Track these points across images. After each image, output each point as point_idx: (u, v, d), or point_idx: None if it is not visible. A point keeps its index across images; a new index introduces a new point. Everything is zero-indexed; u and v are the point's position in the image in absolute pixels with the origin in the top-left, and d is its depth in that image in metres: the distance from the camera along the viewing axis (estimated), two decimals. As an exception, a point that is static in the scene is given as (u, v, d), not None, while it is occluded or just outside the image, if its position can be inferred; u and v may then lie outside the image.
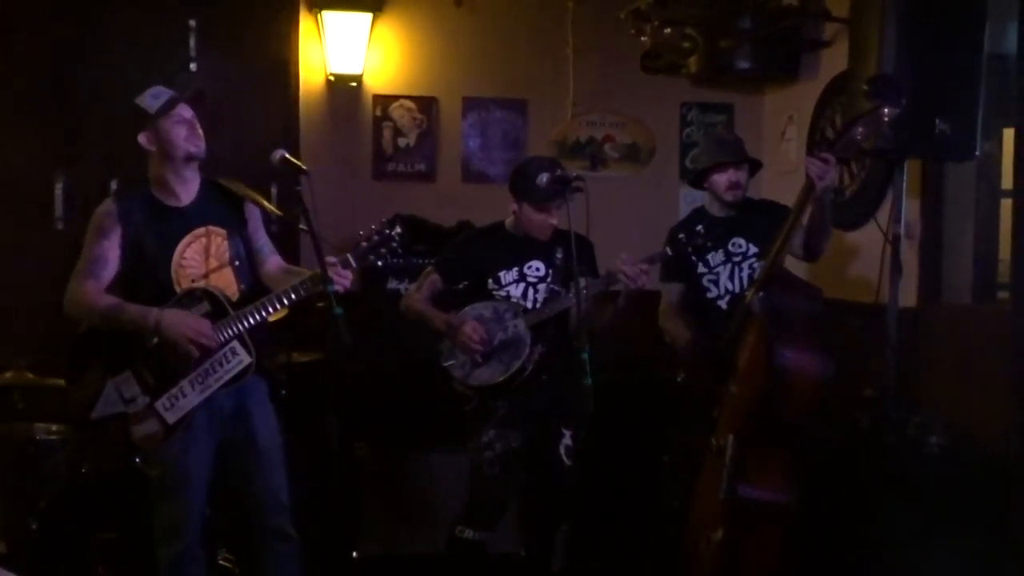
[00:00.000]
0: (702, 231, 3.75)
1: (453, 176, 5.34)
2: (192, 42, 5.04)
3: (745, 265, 3.93)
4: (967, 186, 4.22)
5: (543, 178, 3.63)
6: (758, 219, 3.88)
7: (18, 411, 3.93)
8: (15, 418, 3.92)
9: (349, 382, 3.83)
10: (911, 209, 4.12)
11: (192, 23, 5.03)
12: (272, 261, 3.44)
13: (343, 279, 3.17)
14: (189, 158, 3.29)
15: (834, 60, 4.74)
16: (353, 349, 3.11)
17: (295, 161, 3.29)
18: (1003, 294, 4.16)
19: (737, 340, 3.67)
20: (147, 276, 3.26)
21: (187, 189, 3.33)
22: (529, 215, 3.74)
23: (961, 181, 4.22)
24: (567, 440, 3.72)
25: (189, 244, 3.30)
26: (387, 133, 5.28)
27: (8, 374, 3.89)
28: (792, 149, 5.21)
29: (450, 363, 3.76)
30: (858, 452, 3.83)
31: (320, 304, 3.29)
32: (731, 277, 3.96)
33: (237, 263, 3.33)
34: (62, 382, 4.02)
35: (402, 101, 5.29)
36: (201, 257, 3.29)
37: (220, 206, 3.35)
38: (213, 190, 3.38)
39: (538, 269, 3.80)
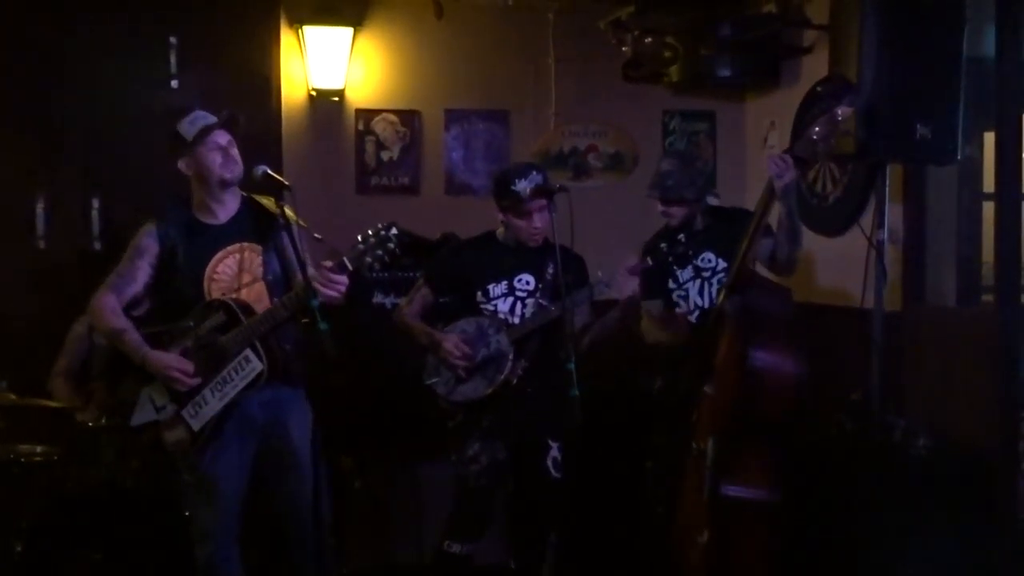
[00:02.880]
0: (683, 239, 3.74)
1: (437, 189, 5.33)
2: (173, 59, 5.02)
3: (714, 280, 3.95)
4: (949, 190, 4.24)
5: (520, 184, 3.65)
6: (728, 230, 3.85)
7: (0, 431, 3.89)
8: (-3, 439, 3.90)
9: (334, 396, 3.80)
10: (894, 214, 4.13)
11: (172, 40, 5.01)
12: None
13: (338, 284, 3.19)
14: (223, 183, 3.40)
15: (815, 66, 4.76)
16: (338, 363, 3.10)
17: (277, 177, 3.32)
18: (987, 297, 4.18)
19: (712, 343, 3.68)
20: (179, 289, 3.40)
21: (225, 209, 3.44)
22: (513, 223, 3.74)
23: (943, 185, 4.24)
24: (554, 452, 3.71)
25: (222, 259, 3.41)
26: (370, 147, 5.27)
27: (-11, 395, 3.86)
28: (774, 156, 5.23)
29: (433, 380, 3.75)
30: (844, 456, 3.84)
31: (305, 320, 3.28)
32: (700, 293, 4.00)
33: (270, 278, 3.43)
34: (44, 402, 4.03)
35: (384, 115, 5.28)
36: (234, 272, 3.41)
37: (256, 223, 3.43)
38: (251, 208, 3.48)
39: (528, 282, 3.78)
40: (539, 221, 3.69)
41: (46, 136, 4.88)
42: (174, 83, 5.03)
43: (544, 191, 3.64)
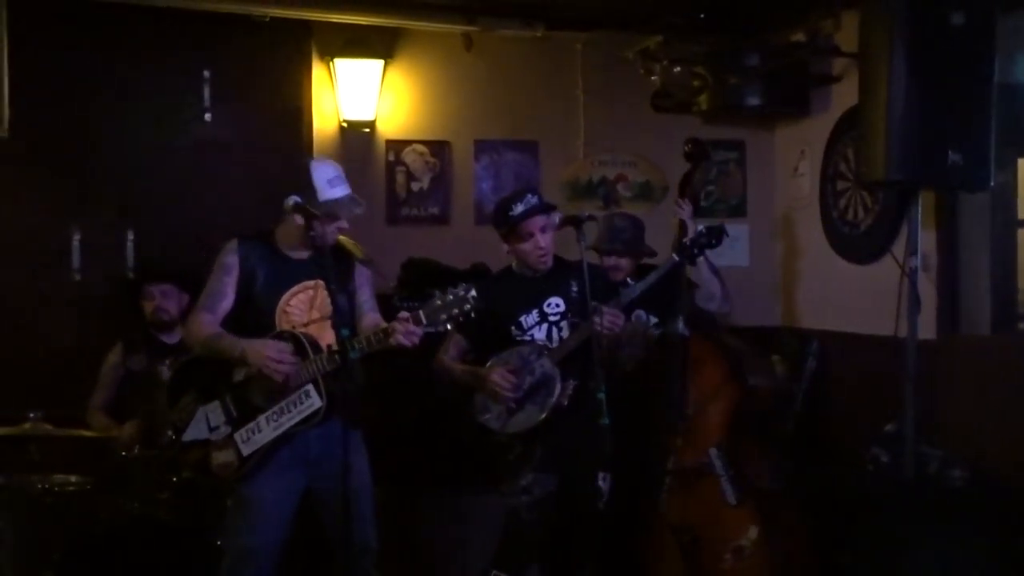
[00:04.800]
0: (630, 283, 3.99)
1: (466, 219, 5.35)
2: (206, 92, 5.09)
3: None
4: (982, 217, 4.20)
5: (517, 208, 3.71)
6: (656, 290, 3.99)
7: (34, 462, 3.93)
8: (31, 469, 3.92)
9: (368, 426, 3.81)
10: (926, 241, 4.10)
11: (206, 74, 5.09)
12: (369, 317, 3.56)
13: (412, 335, 3.27)
14: (321, 248, 3.46)
15: (844, 94, 4.75)
16: (367, 392, 3.12)
17: (308, 207, 3.34)
18: (1023, 324, 4.12)
19: (682, 368, 3.85)
20: (253, 317, 3.47)
21: (307, 249, 3.51)
22: (519, 248, 3.76)
23: (976, 212, 4.20)
24: (599, 482, 3.68)
25: (296, 294, 3.50)
26: (400, 178, 5.30)
27: (25, 425, 3.89)
28: (805, 184, 5.21)
29: (485, 416, 3.74)
30: (880, 488, 3.79)
31: (335, 349, 3.30)
32: None
33: (337, 318, 3.42)
34: (78, 432, 4.06)
35: (415, 146, 5.32)
36: (305, 307, 3.49)
37: (333, 263, 3.46)
38: (330, 249, 3.50)
39: (558, 305, 3.79)
40: (543, 241, 3.72)
41: (81, 169, 4.95)
42: (208, 116, 5.10)
43: (541, 209, 3.71)
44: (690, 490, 3.81)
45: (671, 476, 3.85)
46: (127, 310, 4.52)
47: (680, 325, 3.86)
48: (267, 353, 3.32)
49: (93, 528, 3.88)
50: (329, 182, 3.45)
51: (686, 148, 4.16)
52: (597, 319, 3.49)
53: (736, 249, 5.24)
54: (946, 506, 3.62)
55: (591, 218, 3.65)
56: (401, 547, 4.44)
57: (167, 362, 4.25)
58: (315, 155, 5.15)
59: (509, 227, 3.74)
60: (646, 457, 3.93)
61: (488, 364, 3.74)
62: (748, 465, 3.80)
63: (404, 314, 3.28)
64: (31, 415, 3.92)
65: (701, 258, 4.04)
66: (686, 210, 4.08)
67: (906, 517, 3.61)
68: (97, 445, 4.12)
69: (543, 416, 3.63)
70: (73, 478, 3.96)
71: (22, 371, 4.70)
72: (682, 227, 4.06)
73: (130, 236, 4.96)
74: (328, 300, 3.44)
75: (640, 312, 4.15)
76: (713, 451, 3.78)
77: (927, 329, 4.06)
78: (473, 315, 3.30)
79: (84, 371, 4.47)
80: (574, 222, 3.66)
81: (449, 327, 3.31)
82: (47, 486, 3.91)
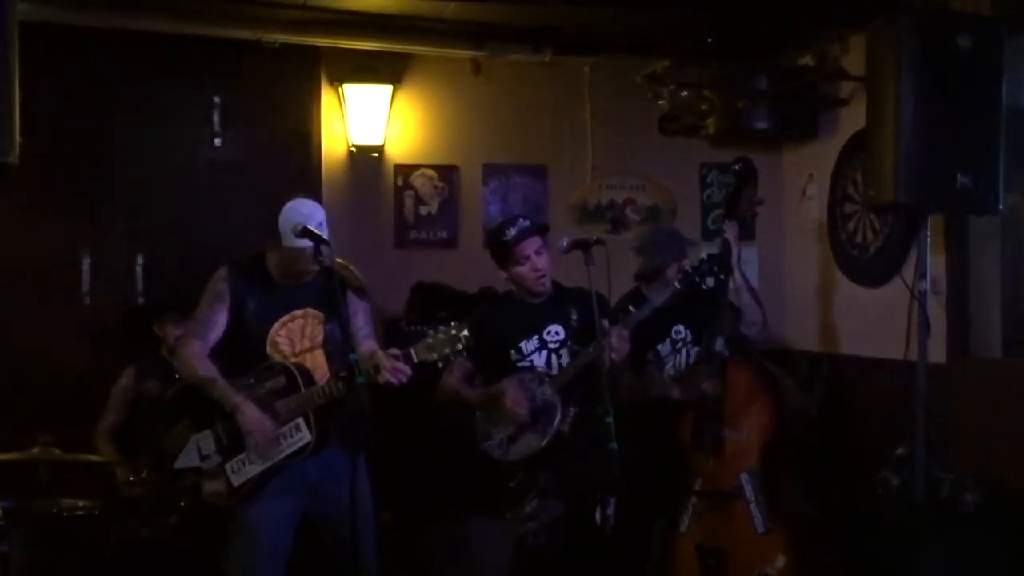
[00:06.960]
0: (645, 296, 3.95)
1: (475, 242, 5.34)
2: (216, 118, 5.12)
3: (684, 351, 4.13)
4: (992, 239, 4.19)
5: (510, 232, 3.72)
6: (695, 304, 3.99)
7: (44, 486, 3.92)
8: (41, 493, 3.92)
9: (374, 451, 3.80)
10: (936, 264, 4.09)
11: (216, 99, 5.11)
12: (365, 345, 3.51)
13: (402, 373, 3.28)
14: (299, 275, 3.47)
15: (852, 118, 4.76)
16: (375, 417, 3.12)
17: (316, 231, 3.34)
18: (1034, 347, 4.11)
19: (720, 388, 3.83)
20: (244, 346, 3.45)
21: (296, 277, 3.49)
22: (516, 272, 3.75)
23: (985, 235, 4.19)
24: (606, 508, 3.66)
25: (286, 323, 3.47)
26: (409, 202, 5.32)
27: (34, 449, 3.89)
28: (814, 207, 5.21)
29: (487, 444, 3.73)
30: (891, 513, 3.76)
31: (342, 374, 3.30)
32: (675, 366, 4.13)
33: (329, 347, 3.46)
34: (87, 457, 4.06)
35: (423, 170, 5.33)
36: (296, 337, 3.47)
37: (324, 291, 3.42)
38: (322, 275, 3.44)
39: (557, 333, 3.78)
40: (539, 263, 3.72)
41: (91, 193, 4.97)
42: (217, 141, 5.12)
43: (534, 231, 3.72)
44: (719, 513, 3.78)
45: (699, 497, 3.82)
46: (140, 335, 4.52)
47: (719, 344, 3.84)
48: (256, 423, 3.30)
49: (103, 552, 3.88)
50: (293, 230, 3.36)
51: (735, 167, 4.12)
52: (605, 340, 3.47)
53: (745, 272, 5.24)
54: (958, 529, 3.59)
55: (599, 241, 3.63)
56: (407, 571, 4.43)
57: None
58: (324, 180, 5.18)
59: (504, 253, 3.75)
60: (669, 478, 3.91)
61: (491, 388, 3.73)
62: (780, 490, 3.76)
63: (395, 351, 3.28)
64: (40, 439, 3.92)
65: (743, 284, 4.09)
66: (732, 231, 4.01)
67: (918, 541, 3.59)
68: (106, 470, 4.11)
69: (543, 444, 3.62)
70: (81, 502, 3.95)
71: (31, 395, 4.70)
72: (727, 248, 4.01)
73: (140, 260, 4.98)
74: (318, 329, 3.47)
75: (679, 327, 4.12)
76: (744, 475, 3.74)
77: (937, 352, 4.04)
78: (465, 354, 3.31)
79: (93, 395, 4.48)
80: (582, 245, 3.66)
81: (440, 366, 3.32)
82: (56, 510, 3.90)
